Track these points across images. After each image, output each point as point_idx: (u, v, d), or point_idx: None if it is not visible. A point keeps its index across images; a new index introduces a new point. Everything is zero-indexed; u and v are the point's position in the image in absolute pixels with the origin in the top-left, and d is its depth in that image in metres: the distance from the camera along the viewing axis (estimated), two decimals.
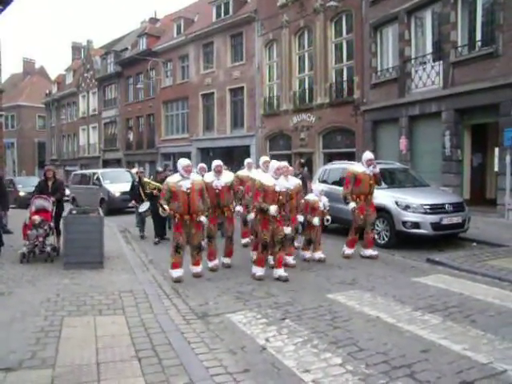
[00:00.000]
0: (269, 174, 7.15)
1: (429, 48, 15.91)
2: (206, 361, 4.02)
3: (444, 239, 9.59)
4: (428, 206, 9.23)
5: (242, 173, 9.77)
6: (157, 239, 10.89)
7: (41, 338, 4.48)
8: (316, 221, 8.21)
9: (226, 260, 8.05)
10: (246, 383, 3.62)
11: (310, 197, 8.52)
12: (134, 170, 12.83)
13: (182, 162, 7.15)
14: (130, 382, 3.62)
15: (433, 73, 15.45)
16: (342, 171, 11.37)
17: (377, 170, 8.51)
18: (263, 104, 24.30)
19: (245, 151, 24.50)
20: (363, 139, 18.56)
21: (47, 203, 8.64)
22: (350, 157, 17.41)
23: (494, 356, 4.05)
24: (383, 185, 9.46)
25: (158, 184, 10.87)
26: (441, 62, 15.06)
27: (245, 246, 9.65)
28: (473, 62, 13.91)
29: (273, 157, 20.71)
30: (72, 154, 46.10)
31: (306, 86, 22.03)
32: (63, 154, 48.04)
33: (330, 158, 19.82)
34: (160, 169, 13.65)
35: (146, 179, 11.64)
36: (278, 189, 6.95)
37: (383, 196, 9.43)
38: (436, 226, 9.11)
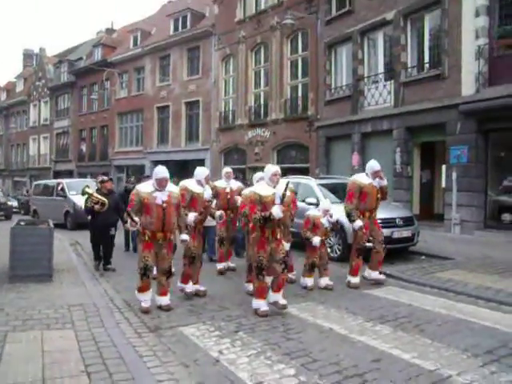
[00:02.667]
0: (263, 182, 6.04)
1: (381, 68, 16.49)
2: (158, 374, 3.95)
3: (395, 252, 9.84)
4: (379, 220, 9.41)
5: (220, 184, 8.85)
6: (97, 262, 9.09)
7: None
8: (316, 241, 7.07)
9: (201, 287, 6.85)
10: None
11: (311, 212, 7.46)
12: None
13: (159, 171, 6.00)
14: None
15: (384, 91, 15.99)
16: (296, 186, 11.53)
17: (385, 182, 7.55)
18: (219, 118, 24.37)
19: (199, 165, 24.27)
20: (317, 154, 18.91)
21: None
22: (304, 172, 17.67)
23: (441, 362, 4.19)
24: (336, 199, 9.64)
25: (102, 198, 8.86)
26: (392, 81, 15.61)
27: (220, 273, 8.32)
28: (421, 83, 14.50)
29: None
30: (21, 164, 44.60)
31: (262, 101, 22.31)
32: (11, 164, 46.41)
33: (284, 172, 19.98)
34: (104, 177, 9.94)
35: (88, 190, 9.04)
36: (278, 200, 5.72)
37: (336, 210, 9.59)
38: (387, 239, 9.32)
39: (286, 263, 5.88)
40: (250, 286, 6.59)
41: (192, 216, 6.43)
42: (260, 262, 5.71)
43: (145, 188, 6.03)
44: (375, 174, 7.36)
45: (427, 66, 14.64)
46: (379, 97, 16.19)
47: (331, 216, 7.29)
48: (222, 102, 24.54)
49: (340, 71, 18.36)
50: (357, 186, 7.31)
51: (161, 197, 5.87)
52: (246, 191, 6.68)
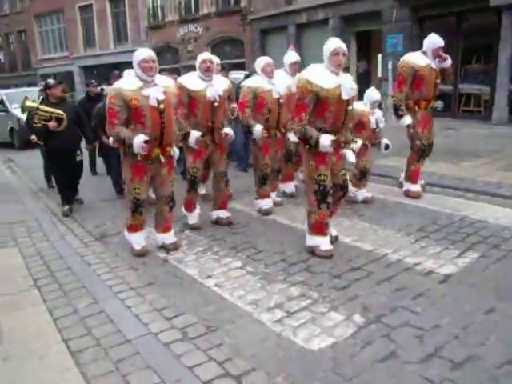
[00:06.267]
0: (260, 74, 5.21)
1: None
2: (108, 280, 4.01)
3: None
4: None
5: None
6: (66, 207, 6.34)
7: None
8: (358, 144, 5.17)
9: (223, 213, 5.41)
10: (150, 296, 3.67)
11: (358, 105, 5.36)
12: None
13: (140, 51, 4.26)
14: (32, 311, 3.52)
15: None
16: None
17: (449, 63, 5.69)
18: (147, 15, 22.89)
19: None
20: (252, 49, 18.38)
21: None
22: (240, 67, 17.25)
23: (378, 243, 4.48)
24: None
25: (56, 110, 6.07)
26: None
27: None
28: None
29: (161, 71, 19.99)
30: None
31: None
32: None
33: (222, 68, 19.49)
34: (50, 81, 6.47)
35: (30, 103, 6.22)
36: (276, 94, 5.10)
37: None
38: None
39: (345, 181, 4.31)
40: (261, 202, 5.72)
41: (193, 136, 4.85)
42: (323, 184, 4.09)
43: (127, 85, 4.19)
44: (437, 52, 5.59)
45: None
46: None
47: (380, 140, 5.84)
48: None
49: None
50: (409, 68, 5.67)
51: (155, 94, 4.12)
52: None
